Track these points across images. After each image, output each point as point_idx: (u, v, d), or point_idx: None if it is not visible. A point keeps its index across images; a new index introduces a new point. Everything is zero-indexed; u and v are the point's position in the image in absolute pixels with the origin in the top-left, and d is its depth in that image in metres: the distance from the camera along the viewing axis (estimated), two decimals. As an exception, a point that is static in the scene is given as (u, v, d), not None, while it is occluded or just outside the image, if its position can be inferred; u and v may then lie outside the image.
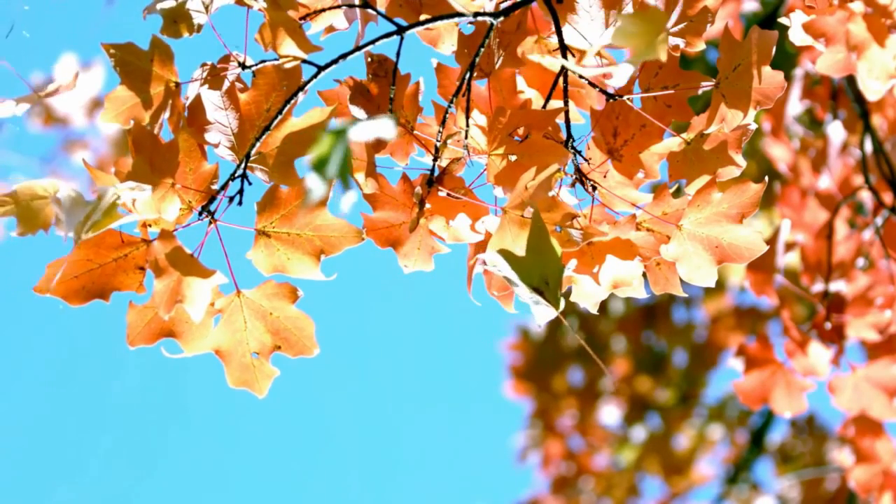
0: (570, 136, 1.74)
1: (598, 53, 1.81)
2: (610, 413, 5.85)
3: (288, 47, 1.70)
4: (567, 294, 1.75)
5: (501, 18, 1.75)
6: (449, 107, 1.75)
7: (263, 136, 1.67)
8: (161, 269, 1.58)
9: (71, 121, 5.34)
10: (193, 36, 1.72)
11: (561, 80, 1.75)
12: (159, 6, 1.70)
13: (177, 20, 1.70)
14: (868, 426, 2.66)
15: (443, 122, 1.74)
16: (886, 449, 2.67)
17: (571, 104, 1.79)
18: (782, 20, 1.98)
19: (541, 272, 1.42)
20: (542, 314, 1.51)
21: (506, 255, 1.43)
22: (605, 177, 1.75)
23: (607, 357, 5.84)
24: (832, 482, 4.99)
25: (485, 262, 1.55)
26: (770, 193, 3.53)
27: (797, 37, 1.98)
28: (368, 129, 1.20)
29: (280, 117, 1.67)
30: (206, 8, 1.71)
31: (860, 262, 2.72)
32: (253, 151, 1.67)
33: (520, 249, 1.64)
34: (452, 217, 1.72)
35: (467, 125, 1.72)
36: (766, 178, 1.71)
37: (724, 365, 5.75)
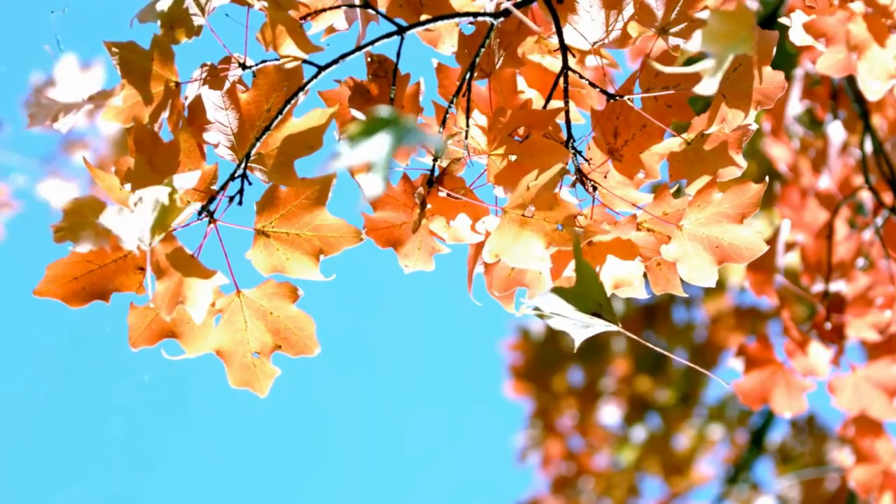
0: (570, 136, 1.74)
1: (598, 53, 1.81)
2: (610, 413, 5.85)
3: (289, 47, 1.70)
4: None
5: (502, 19, 1.75)
6: (449, 107, 1.75)
7: (263, 137, 1.67)
8: (162, 271, 1.58)
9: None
10: (193, 40, 1.72)
11: (561, 80, 1.75)
12: (158, 6, 1.70)
13: (173, 26, 1.70)
14: (868, 426, 2.66)
15: (443, 123, 1.74)
16: (886, 449, 2.67)
17: (572, 104, 1.79)
18: (782, 20, 1.98)
19: (593, 298, 1.48)
20: (582, 335, 1.55)
21: (559, 291, 1.47)
22: (605, 177, 1.75)
23: (607, 357, 5.84)
24: (832, 482, 4.99)
25: (535, 308, 1.58)
26: (770, 193, 3.53)
27: (797, 37, 1.98)
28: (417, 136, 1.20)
29: (280, 118, 1.67)
30: (203, 10, 1.71)
31: (860, 262, 2.72)
32: (253, 152, 1.67)
33: (519, 249, 1.64)
34: (453, 217, 1.72)
35: (467, 125, 1.72)
36: (767, 179, 1.71)
37: (724, 365, 5.75)
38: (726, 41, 1.37)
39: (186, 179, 1.55)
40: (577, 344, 1.56)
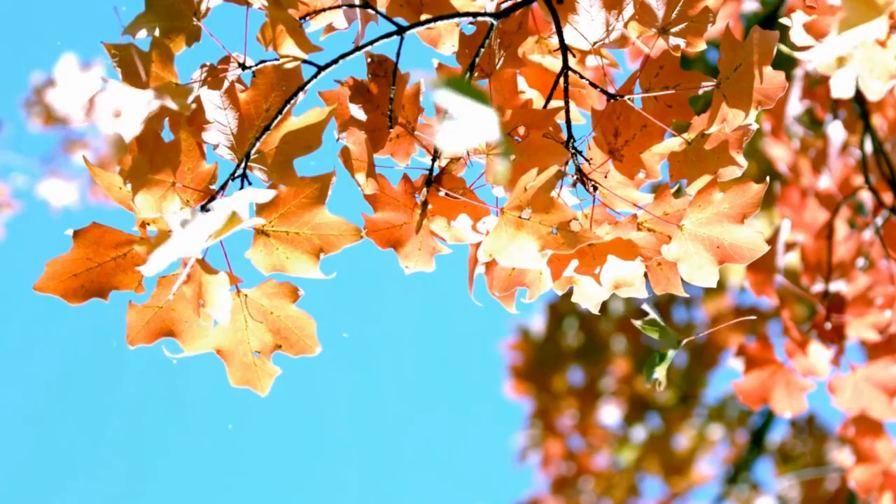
0: (570, 136, 1.73)
1: (599, 53, 1.81)
2: (610, 413, 5.85)
3: (288, 47, 1.70)
4: (568, 295, 1.76)
5: (502, 19, 1.75)
6: (449, 107, 1.74)
7: (263, 136, 1.67)
8: (189, 275, 1.57)
9: (71, 121, 5.34)
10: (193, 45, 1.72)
11: (561, 80, 1.75)
12: (151, 13, 1.70)
13: (171, 35, 1.70)
14: (868, 426, 2.66)
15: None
16: (886, 449, 2.67)
17: (572, 104, 1.79)
18: (783, 20, 1.98)
19: (674, 336, 1.73)
20: (660, 377, 1.72)
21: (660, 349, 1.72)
22: (606, 177, 1.75)
23: (607, 357, 5.84)
24: (832, 482, 4.99)
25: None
26: (770, 193, 3.53)
27: (798, 37, 1.98)
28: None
29: (280, 117, 1.67)
30: (197, 14, 1.71)
31: (860, 262, 2.72)
32: (252, 151, 1.67)
33: (514, 249, 1.63)
34: (453, 218, 1.72)
35: (468, 125, 1.72)
36: (767, 179, 1.71)
37: (724, 365, 5.76)
38: (860, 27, 1.39)
39: (259, 195, 1.53)
40: (659, 386, 1.74)
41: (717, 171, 1.71)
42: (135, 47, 1.69)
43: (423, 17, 1.81)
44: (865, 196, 2.97)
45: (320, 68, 1.70)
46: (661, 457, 5.80)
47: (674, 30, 1.73)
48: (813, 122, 3.27)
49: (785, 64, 3.16)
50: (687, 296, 1.87)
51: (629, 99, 1.74)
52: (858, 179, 2.96)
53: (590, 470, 5.87)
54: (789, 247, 2.79)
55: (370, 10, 1.80)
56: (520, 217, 1.62)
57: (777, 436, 5.54)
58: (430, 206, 1.72)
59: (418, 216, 1.71)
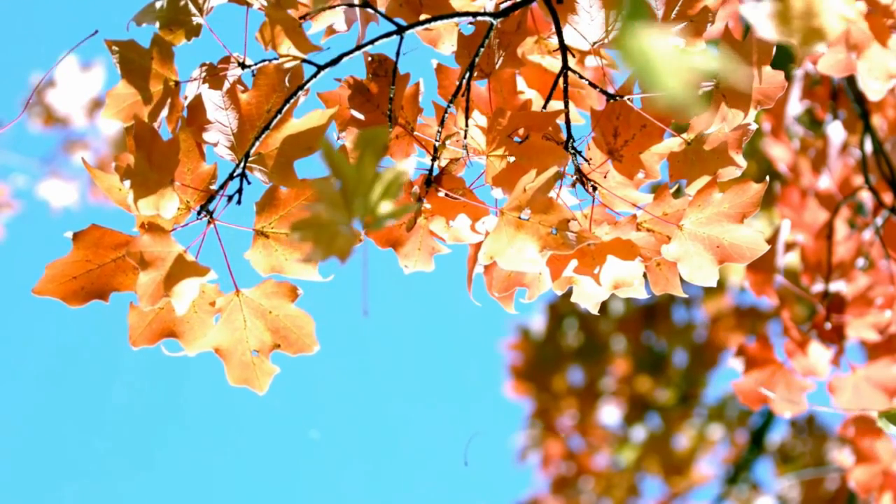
0: (570, 136, 1.73)
1: (598, 53, 1.81)
2: (610, 413, 5.85)
3: (287, 47, 1.70)
4: (568, 295, 1.76)
5: (501, 19, 1.75)
6: (448, 107, 1.74)
7: (263, 136, 1.67)
8: (147, 263, 1.57)
9: (71, 121, 5.35)
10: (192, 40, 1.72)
11: (561, 80, 1.75)
12: (158, 4, 1.70)
13: (172, 28, 1.70)
14: (868, 426, 2.66)
15: (442, 122, 1.74)
16: (886, 449, 2.67)
17: (572, 104, 1.79)
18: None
19: None
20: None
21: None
22: (605, 177, 1.74)
23: (607, 357, 5.84)
24: (832, 482, 4.99)
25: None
26: (770, 193, 3.53)
27: (798, 37, 1.97)
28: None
29: (280, 117, 1.67)
30: (201, 10, 1.71)
31: (860, 262, 2.72)
32: (252, 151, 1.67)
33: (513, 251, 1.63)
34: (453, 217, 1.72)
35: (467, 125, 1.72)
36: (767, 178, 1.71)
37: (724, 365, 5.76)
38: None
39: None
40: None
41: (716, 171, 1.71)
42: (135, 44, 1.69)
43: (423, 17, 1.81)
44: (865, 196, 2.96)
45: (320, 68, 1.70)
46: (661, 457, 5.80)
47: (673, 30, 1.73)
48: (813, 122, 3.27)
49: (785, 64, 3.16)
50: (686, 296, 1.86)
51: (629, 99, 1.74)
52: (858, 179, 2.96)
53: (590, 470, 5.87)
54: (789, 247, 2.79)
55: (370, 10, 1.80)
56: (519, 218, 1.62)
57: (777, 436, 5.54)
58: (424, 202, 1.72)
59: (413, 214, 1.71)
